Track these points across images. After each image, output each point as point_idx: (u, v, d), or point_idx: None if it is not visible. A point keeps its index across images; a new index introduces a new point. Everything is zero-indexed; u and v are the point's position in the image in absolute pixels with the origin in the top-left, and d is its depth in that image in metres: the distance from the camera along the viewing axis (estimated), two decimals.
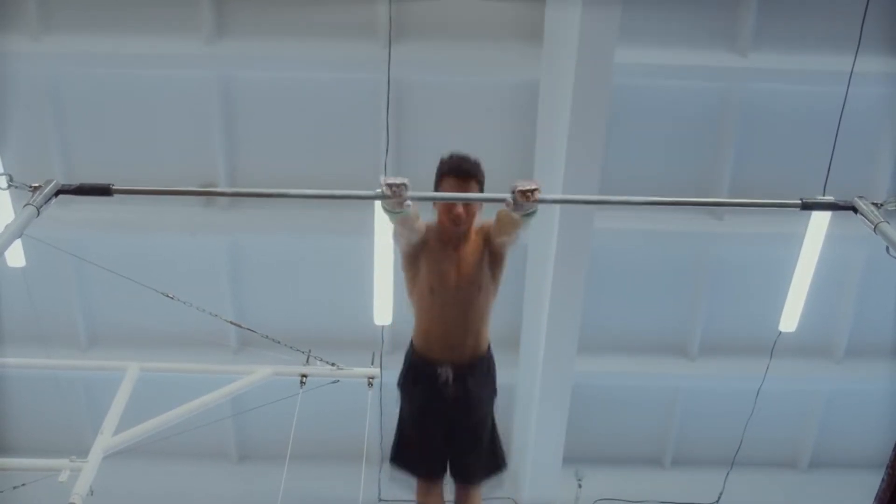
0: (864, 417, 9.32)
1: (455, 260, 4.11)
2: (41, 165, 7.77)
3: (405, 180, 3.77)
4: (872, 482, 8.74)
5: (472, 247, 4.13)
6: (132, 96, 7.92)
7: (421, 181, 8.26)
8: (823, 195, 7.17)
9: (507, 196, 3.78)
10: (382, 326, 8.25)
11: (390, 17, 7.35)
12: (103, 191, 3.45)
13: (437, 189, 4.15)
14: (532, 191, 3.74)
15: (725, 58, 7.71)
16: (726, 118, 8.00)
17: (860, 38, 7.14)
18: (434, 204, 4.20)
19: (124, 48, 7.57)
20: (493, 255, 4.17)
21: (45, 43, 7.57)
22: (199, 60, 7.72)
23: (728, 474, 9.22)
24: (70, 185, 3.47)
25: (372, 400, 7.18)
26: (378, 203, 3.92)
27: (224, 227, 8.37)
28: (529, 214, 3.88)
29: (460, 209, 4.08)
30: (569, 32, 6.85)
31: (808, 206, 3.59)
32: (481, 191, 4.14)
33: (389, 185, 3.72)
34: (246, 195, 4.07)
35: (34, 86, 7.82)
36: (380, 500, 9.09)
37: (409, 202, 3.77)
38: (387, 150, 7.78)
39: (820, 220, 7.10)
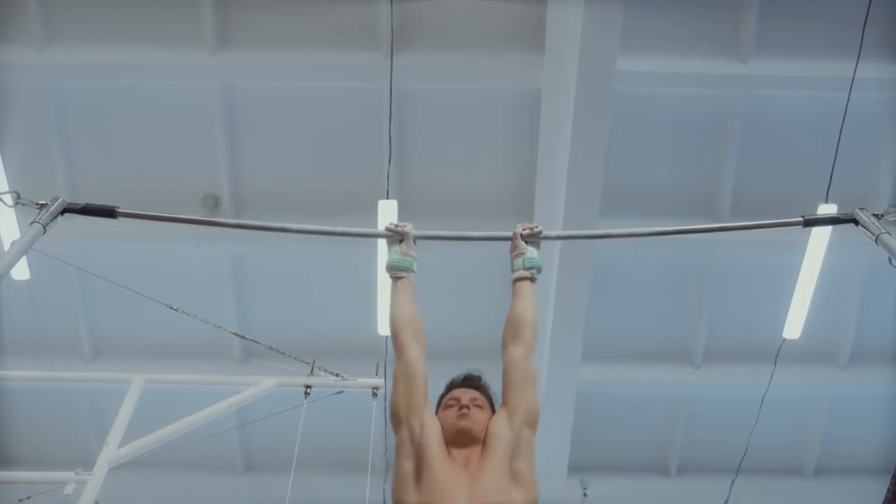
0: (869, 423, 9.32)
1: (466, 484, 2.98)
2: (45, 176, 7.82)
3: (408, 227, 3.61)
4: (878, 488, 8.73)
5: (488, 463, 3.04)
6: (135, 107, 7.95)
7: (423, 193, 8.27)
8: (826, 202, 7.21)
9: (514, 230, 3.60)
10: (386, 336, 8.25)
11: (392, 27, 7.36)
12: (108, 213, 3.47)
13: (438, 410, 3.29)
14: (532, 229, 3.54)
15: (727, 65, 7.71)
16: (728, 125, 8.01)
17: (861, 44, 7.13)
18: (438, 413, 3.29)
19: (127, 59, 7.60)
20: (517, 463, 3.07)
21: (47, 54, 7.60)
22: (201, 71, 7.74)
23: (734, 481, 9.20)
24: (76, 205, 3.48)
25: (376, 410, 7.17)
26: (383, 238, 3.73)
27: (227, 239, 8.37)
28: (530, 268, 3.50)
29: (465, 402, 3.19)
30: (570, 40, 6.86)
31: (809, 223, 3.59)
32: (491, 404, 3.30)
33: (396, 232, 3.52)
34: (247, 227, 4.01)
35: (37, 96, 7.85)
36: None
37: (413, 252, 3.55)
38: (389, 159, 7.79)
39: (822, 228, 7.11)
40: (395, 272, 3.58)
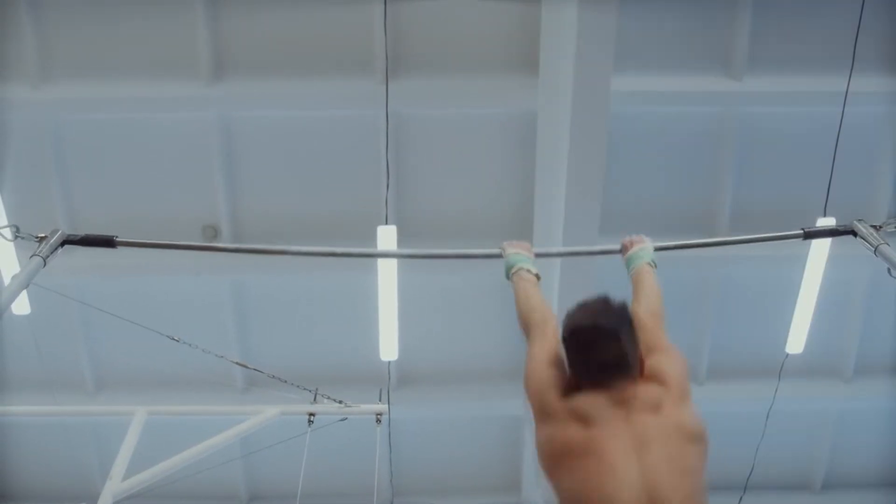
0: (876, 436, 9.28)
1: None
2: (44, 211, 7.82)
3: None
4: (887, 501, 8.67)
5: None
6: (132, 139, 7.96)
7: (421, 218, 8.25)
8: (824, 216, 7.22)
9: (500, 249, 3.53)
10: (389, 362, 8.23)
11: (386, 53, 7.39)
12: (107, 242, 3.47)
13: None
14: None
15: (720, 82, 7.74)
16: (725, 142, 8.02)
17: (854, 58, 7.16)
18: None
19: (124, 93, 7.62)
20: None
21: (44, 91, 7.62)
22: (198, 102, 7.75)
23: (741, 499, 9.16)
24: (75, 236, 3.48)
25: (381, 436, 7.16)
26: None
27: (227, 268, 8.36)
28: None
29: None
30: (565, 62, 6.88)
31: (809, 235, 3.61)
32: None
33: None
34: (248, 251, 4.01)
35: (35, 132, 7.86)
36: None
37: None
38: (387, 185, 7.81)
39: (822, 242, 7.11)
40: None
